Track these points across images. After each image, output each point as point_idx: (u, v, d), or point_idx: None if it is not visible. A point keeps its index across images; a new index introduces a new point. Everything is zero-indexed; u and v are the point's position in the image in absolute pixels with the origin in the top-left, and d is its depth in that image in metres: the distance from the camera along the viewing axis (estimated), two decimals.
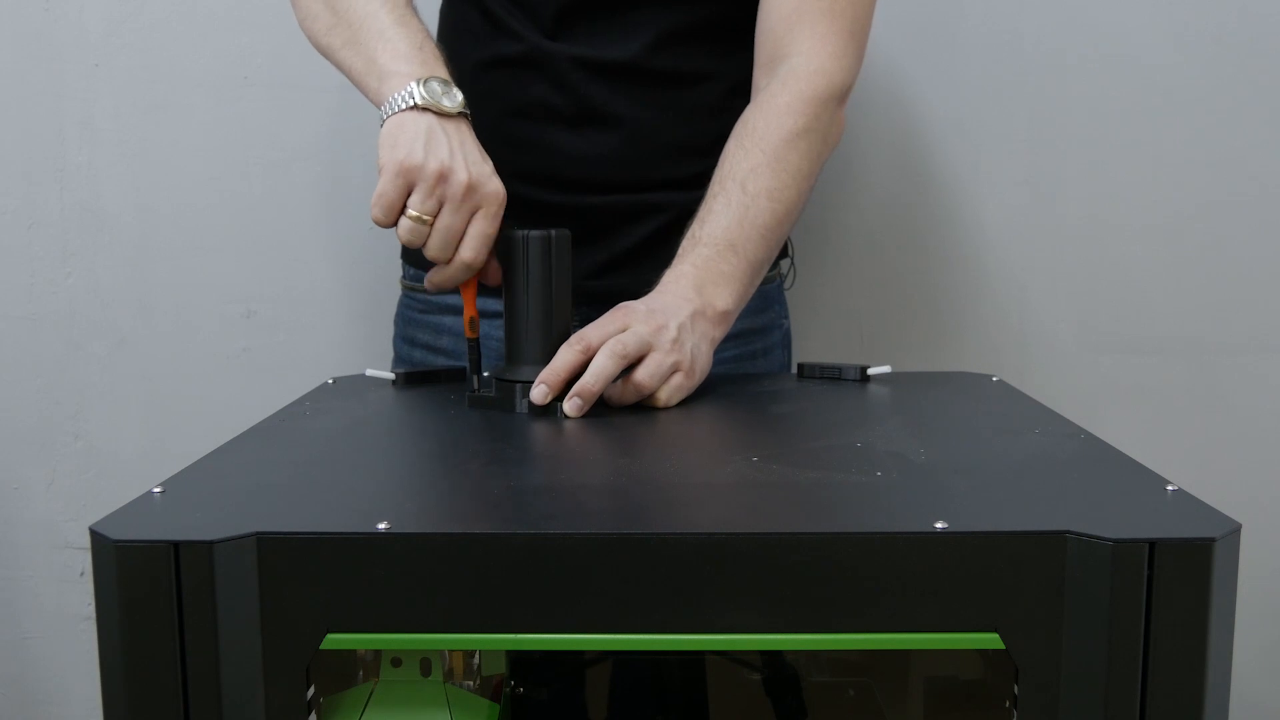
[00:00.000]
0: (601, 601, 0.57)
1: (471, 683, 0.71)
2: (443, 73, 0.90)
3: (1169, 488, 0.64)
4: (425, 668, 0.68)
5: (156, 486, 0.65)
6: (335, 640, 0.57)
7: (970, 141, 1.51)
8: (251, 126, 1.51)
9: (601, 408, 0.87)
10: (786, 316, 1.23)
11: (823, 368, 1.05)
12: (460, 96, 0.89)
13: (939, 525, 0.57)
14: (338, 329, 1.55)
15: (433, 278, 0.89)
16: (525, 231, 0.89)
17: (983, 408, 0.89)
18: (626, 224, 1.06)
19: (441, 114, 0.87)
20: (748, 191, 0.97)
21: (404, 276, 1.21)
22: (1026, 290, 1.56)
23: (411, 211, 0.85)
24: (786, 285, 1.24)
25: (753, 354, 1.15)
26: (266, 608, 0.56)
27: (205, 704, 0.57)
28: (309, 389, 0.97)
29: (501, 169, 0.91)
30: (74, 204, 1.52)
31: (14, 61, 1.49)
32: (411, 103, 0.86)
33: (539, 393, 0.84)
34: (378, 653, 0.68)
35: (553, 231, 0.90)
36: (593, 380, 0.83)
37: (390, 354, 1.24)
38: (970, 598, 0.56)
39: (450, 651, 0.69)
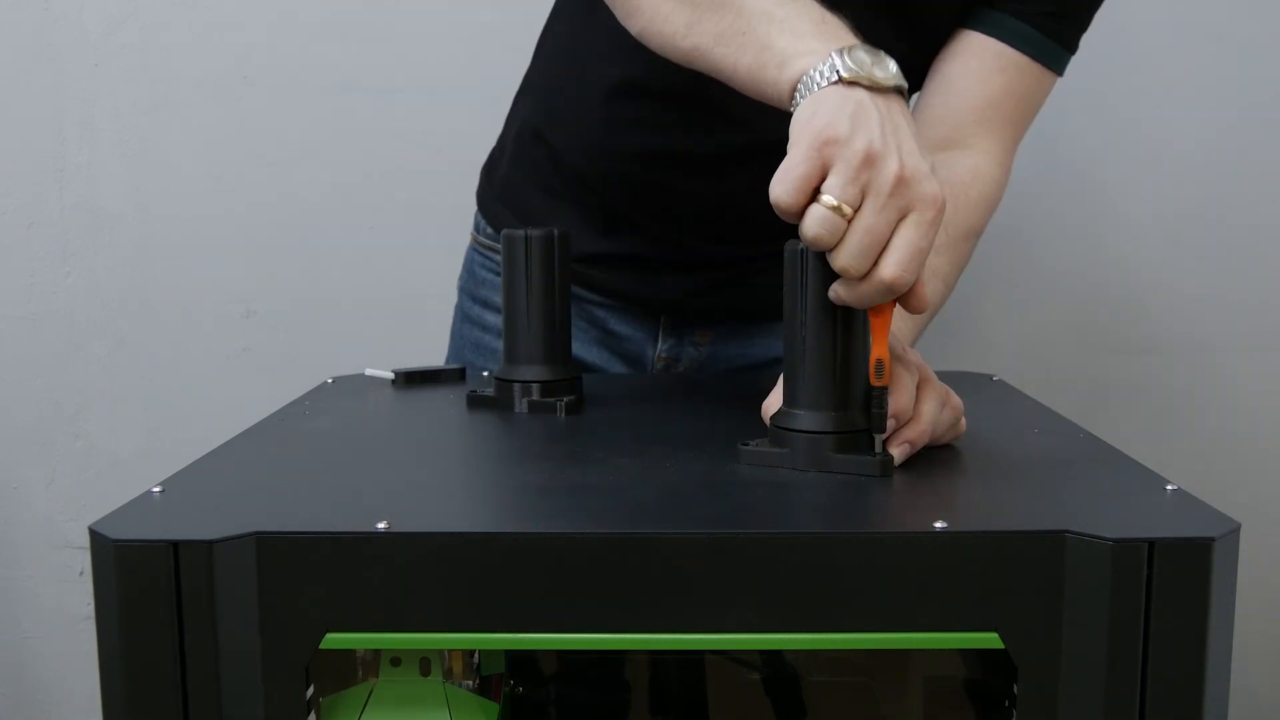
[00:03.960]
0: (601, 601, 0.57)
1: (471, 682, 0.71)
2: (861, 43, 0.72)
3: (1169, 487, 0.64)
4: (425, 667, 0.68)
5: (156, 486, 0.65)
6: (335, 640, 0.57)
7: None
8: (251, 126, 1.51)
9: (595, 407, 0.87)
10: None
11: None
12: (895, 66, 0.70)
13: (939, 525, 0.57)
14: (338, 329, 1.55)
15: (840, 292, 0.68)
16: (526, 231, 0.89)
17: (983, 408, 0.88)
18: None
19: (874, 88, 0.69)
20: (928, 266, 0.91)
21: (476, 230, 1.16)
22: (1026, 290, 1.56)
23: (828, 197, 0.65)
24: None
25: None
26: (266, 607, 0.56)
27: (205, 704, 0.57)
28: (309, 389, 0.97)
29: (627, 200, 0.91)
30: (74, 204, 1.52)
31: (14, 61, 1.49)
32: (835, 77, 0.69)
33: (903, 451, 0.71)
34: (377, 652, 0.68)
35: (554, 231, 0.90)
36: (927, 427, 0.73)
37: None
38: (970, 598, 0.56)
39: (450, 651, 0.69)
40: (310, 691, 0.59)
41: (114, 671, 0.57)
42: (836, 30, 0.73)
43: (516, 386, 0.88)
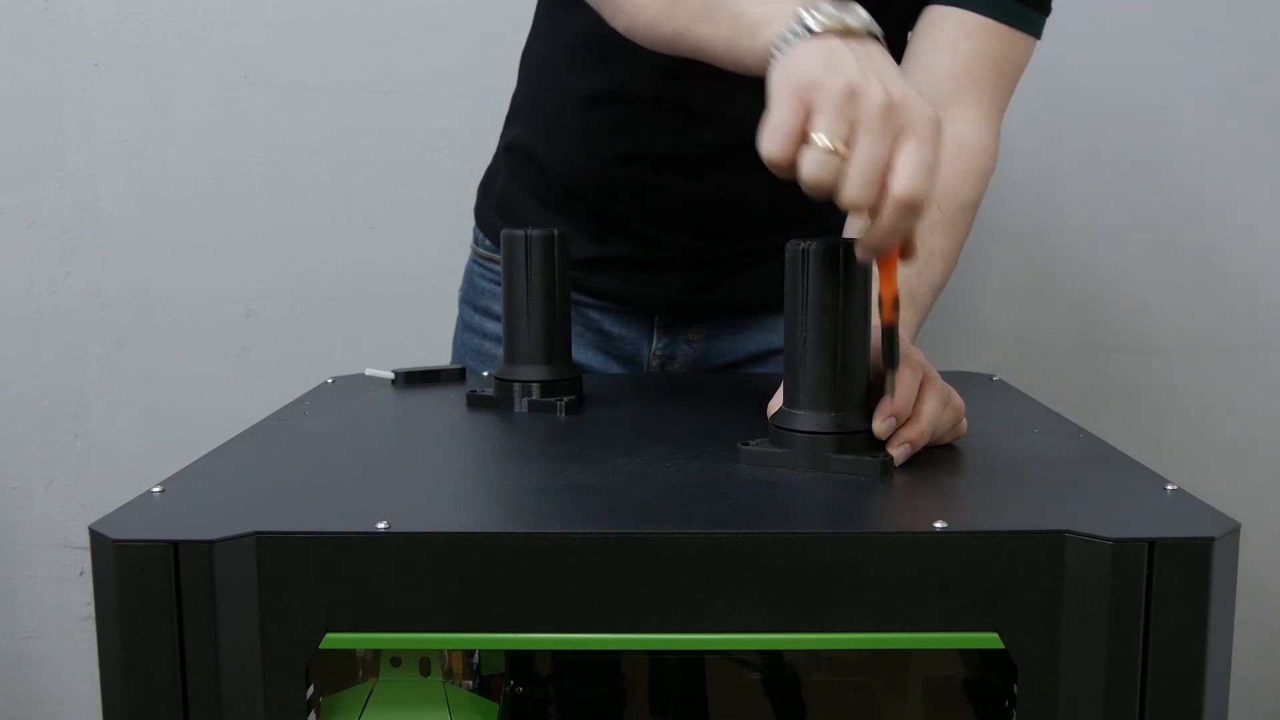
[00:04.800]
0: (601, 601, 0.57)
1: (471, 682, 0.71)
2: None
3: (1168, 487, 0.64)
4: (424, 667, 0.68)
5: (156, 486, 0.65)
6: (335, 640, 0.57)
7: None
8: (251, 126, 1.51)
9: (595, 407, 0.87)
10: None
11: None
12: (865, 14, 0.69)
13: (939, 525, 0.57)
14: (337, 329, 1.55)
15: (866, 239, 0.66)
16: (526, 231, 0.89)
17: (983, 408, 0.88)
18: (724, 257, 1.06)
19: (847, 33, 0.68)
20: (924, 245, 0.87)
21: (475, 243, 1.19)
22: (1026, 290, 1.56)
23: (817, 138, 0.64)
24: None
25: None
26: (266, 607, 0.56)
27: (205, 704, 0.57)
28: (309, 389, 0.97)
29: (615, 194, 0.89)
30: (73, 204, 1.52)
31: (14, 61, 1.49)
32: (805, 32, 0.68)
33: (886, 426, 0.70)
34: (377, 652, 0.68)
35: (554, 231, 0.90)
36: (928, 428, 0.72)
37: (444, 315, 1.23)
38: (970, 597, 0.56)
39: (450, 651, 0.69)
40: (310, 691, 0.59)
41: (114, 671, 0.57)
42: None
43: (516, 386, 0.88)
